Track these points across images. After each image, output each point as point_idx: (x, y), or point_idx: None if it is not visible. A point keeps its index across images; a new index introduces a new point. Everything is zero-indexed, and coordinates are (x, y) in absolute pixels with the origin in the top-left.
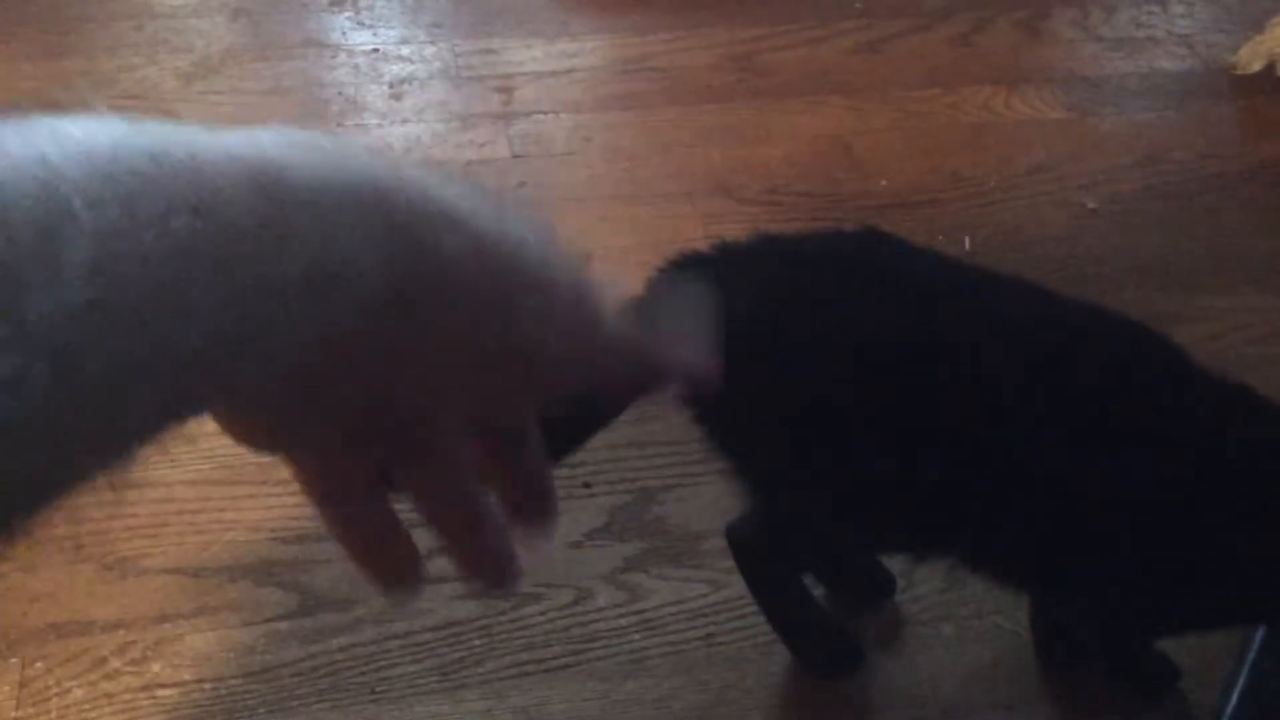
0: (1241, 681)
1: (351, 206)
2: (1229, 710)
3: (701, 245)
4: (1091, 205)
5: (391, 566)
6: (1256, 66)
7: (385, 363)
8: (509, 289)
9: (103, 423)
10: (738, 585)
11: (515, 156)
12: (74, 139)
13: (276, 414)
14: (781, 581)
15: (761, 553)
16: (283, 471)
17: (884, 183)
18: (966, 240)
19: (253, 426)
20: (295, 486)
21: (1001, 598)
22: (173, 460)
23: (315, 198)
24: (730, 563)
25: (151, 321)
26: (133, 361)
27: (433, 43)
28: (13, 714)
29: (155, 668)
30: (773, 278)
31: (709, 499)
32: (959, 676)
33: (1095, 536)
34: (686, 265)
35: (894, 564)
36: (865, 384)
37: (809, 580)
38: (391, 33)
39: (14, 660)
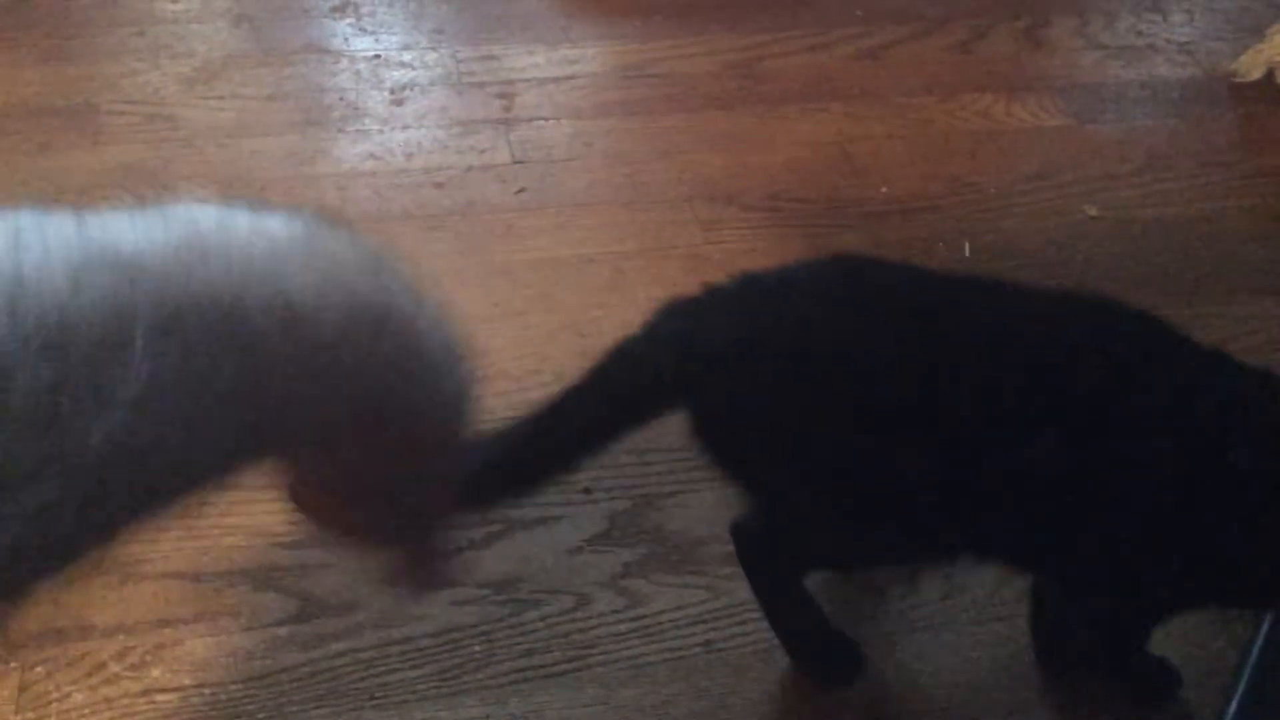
0: (1242, 686)
1: (346, 327)
2: (1230, 714)
3: (702, 251)
4: (1092, 212)
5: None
6: (1256, 74)
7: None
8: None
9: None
10: (738, 592)
11: (516, 162)
12: (149, 273)
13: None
14: (783, 583)
15: (765, 552)
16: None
17: (884, 189)
18: (966, 246)
19: None
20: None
21: (1003, 605)
22: None
23: (321, 325)
24: (731, 569)
25: (176, 446)
26: (153, 479)
27: (434, 49)
28: (13, 718)
29: (155, 673)
30: (760, 306)
31: (709, 505)
32: (961, 683)
33: (1096, 508)
34: (677, 309)
35: (896, 571)
36: (856, 394)
37: (812, 582)
38: (393, 39)
39: (14, 665)
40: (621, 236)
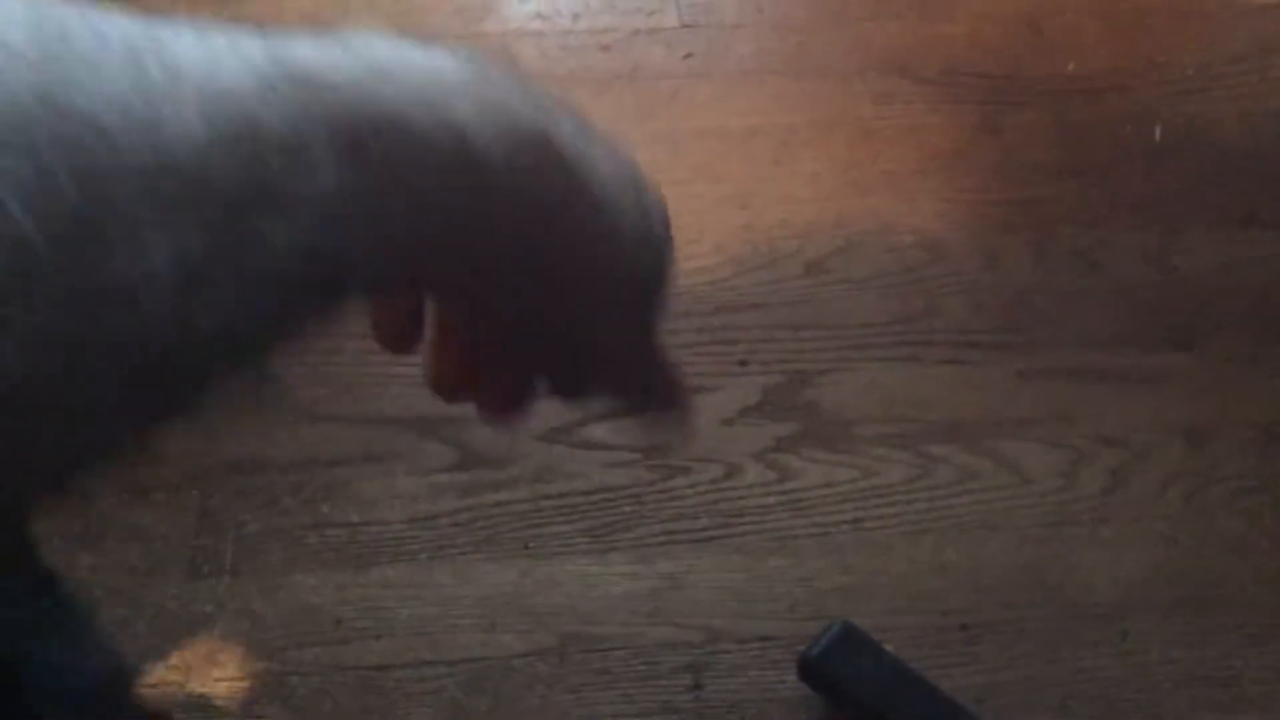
0: None
1: (521, 182)
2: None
3: (871, 125)
4: None
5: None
6: None
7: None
8: (580, 235)
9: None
10: (889, 473)
11: (684, 26)
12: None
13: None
14: None
15: None
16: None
17: (1071, 66)
18: (1157, 130)
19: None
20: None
21: (1167, 504)
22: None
23: (496, 169)
24: (883, 450)
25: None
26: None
27: None
28: (193, 541)
29: (324, 508)
30: None
31: (863, 384)
32: (1118, 579)
33: None
34: None
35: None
36: None
37: None
38: None
39: (194, 492)
40: (789, 108)
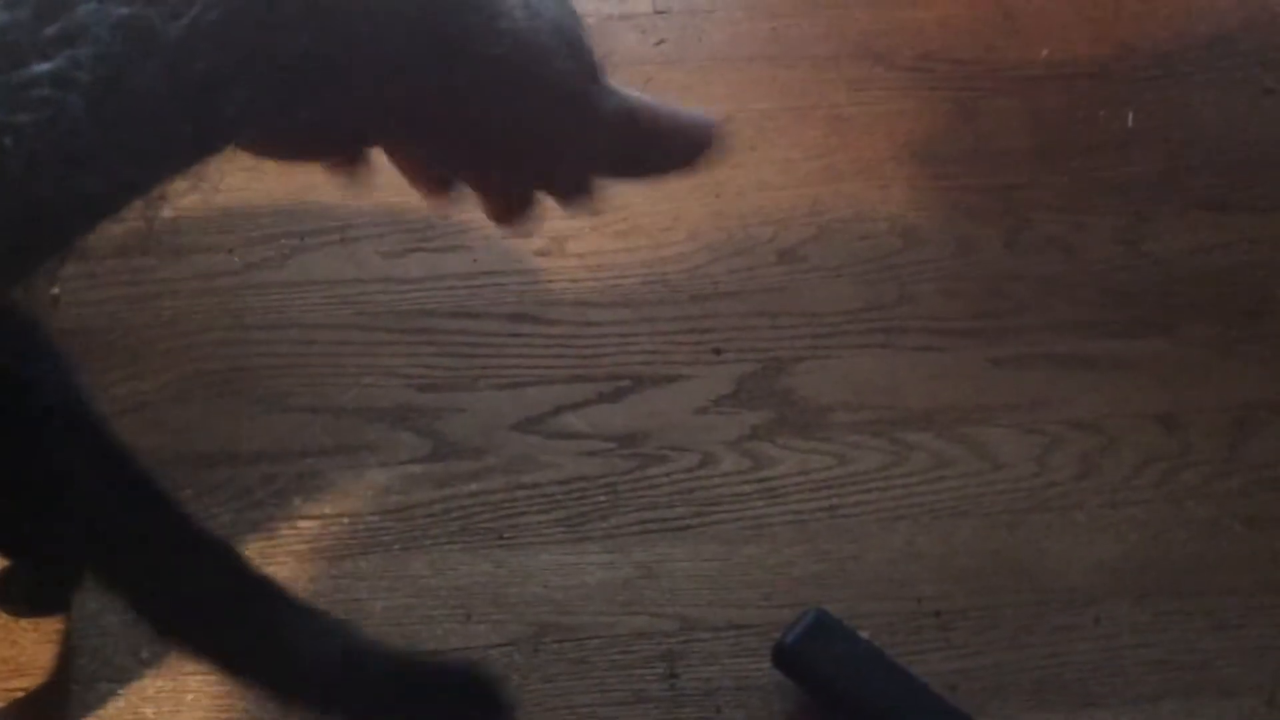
0: None
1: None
2: None
3: (845, 112)
4: (1269, 84)
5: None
6: None
7: (390, 112)
8: (528, 91)
9: (144, 134)
10: (864, 460)
11: (657, 12)
12: None
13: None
14: None
15: None
16: (419, 321)
17: (1045, 52)
18: (1130, 116)
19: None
20: (430, 336)
21: (1138, 490)
22: (311, 304)
23: None
24: (858, 437)
25: (195, 53)
26: (173, 85)
27: None
28: None
29: (296, 500)
30: None
31: (839, 372)
32: (1088, 564)
33: None
34: None
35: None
36: None
37: None
38: None
39: None
40: (762, 94)
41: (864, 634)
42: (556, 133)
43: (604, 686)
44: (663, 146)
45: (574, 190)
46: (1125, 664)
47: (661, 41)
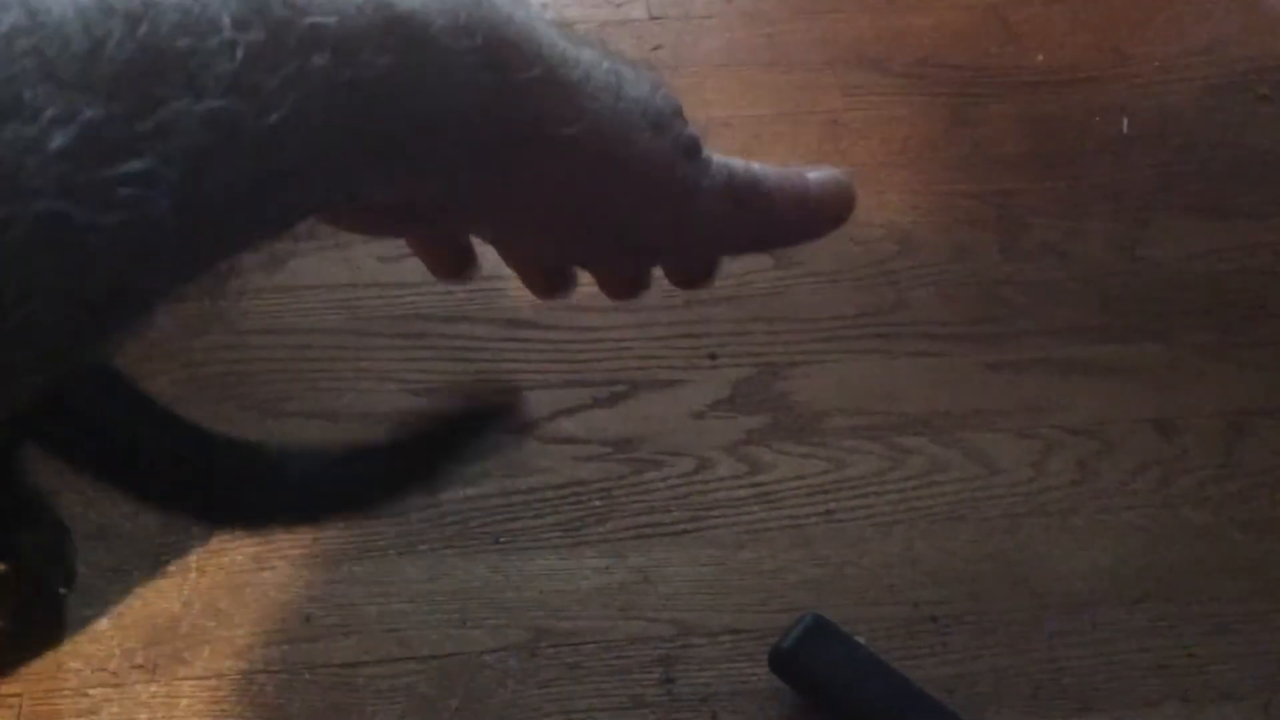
0: None
1: (474, 63)
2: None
3: (841, 118)
4: (1263, 91)
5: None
6: None
7: (471, 197)
8: (609, 175)
9: (224, 224)
10: (860, 465)
11: (653, 18)
12: None
13: (375, 226)
14: None
15: None
16: (414, 326)
17: (1040, 58)
18: (1125, 122)
19: (357, 224)
20: (426, 341)
21: (1135, 495)
22: (307, 308)
23: (444, 47)
24: (853, 442)
25: (280, 146)
26: (255, 178)
27: None
28: (158, 539)
29: None
30: None
31: (835, 377)
32: (1083, 570)
33: None
34: None
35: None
36: None
37: None
38: None
39: None
40: (758, 100)
41: (861, 639)
42: (650, 214)
43: (600, 691)
44: (787, 217)
45: (691, 272)
46: (1122, 669)
47: (657, 47)
